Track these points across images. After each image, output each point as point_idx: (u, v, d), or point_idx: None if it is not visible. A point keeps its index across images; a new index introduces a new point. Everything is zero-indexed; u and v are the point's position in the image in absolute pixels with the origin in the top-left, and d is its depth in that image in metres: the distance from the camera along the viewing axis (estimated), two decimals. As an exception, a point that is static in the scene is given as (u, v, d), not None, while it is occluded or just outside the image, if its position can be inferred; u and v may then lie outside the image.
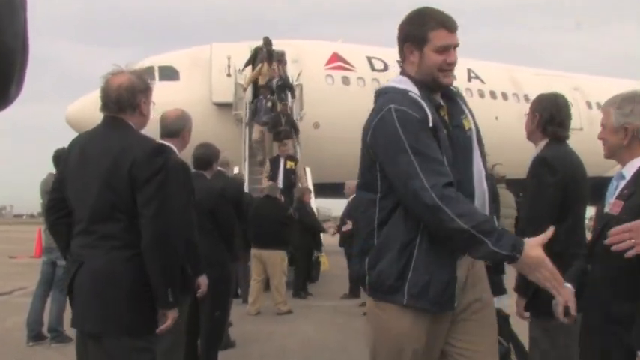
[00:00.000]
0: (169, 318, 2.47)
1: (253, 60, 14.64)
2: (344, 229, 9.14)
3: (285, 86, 13.77)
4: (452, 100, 2.34)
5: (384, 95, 2.28)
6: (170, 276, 2.45)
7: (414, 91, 2.17)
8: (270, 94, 13.42)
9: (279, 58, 14.79)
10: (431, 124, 2.08)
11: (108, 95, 2.60)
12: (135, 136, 2.57)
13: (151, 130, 2.79)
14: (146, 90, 2.70)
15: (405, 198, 2.06)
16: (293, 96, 13.96)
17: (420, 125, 2.06)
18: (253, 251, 8.08)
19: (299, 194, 10.23)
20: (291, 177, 11.19)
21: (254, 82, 14.26)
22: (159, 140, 3.60)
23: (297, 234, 9.32)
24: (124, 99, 2.59)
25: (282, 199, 9.32)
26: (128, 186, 2.42)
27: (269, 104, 13.11)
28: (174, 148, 3.58)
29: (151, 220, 2.40)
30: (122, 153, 2.45)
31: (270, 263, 7.99)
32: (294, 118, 13.58)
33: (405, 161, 2.03)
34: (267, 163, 11.73)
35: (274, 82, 13.59)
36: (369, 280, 2.13)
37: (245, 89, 14.34)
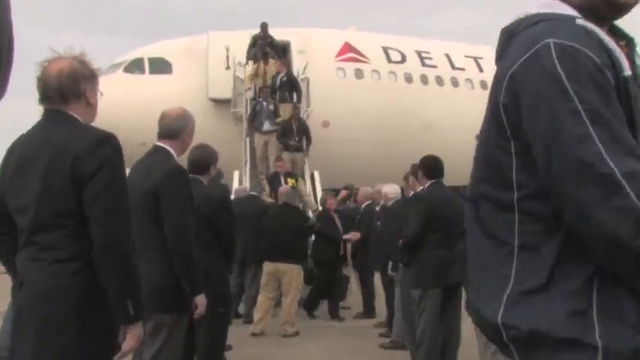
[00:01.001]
0: (133, 337, 2.33)
1: (251, 53, 14.61)
2: (346, 237, 9.15)
3: (291, 83, 13.59)
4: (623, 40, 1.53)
5: (532, 26, 1.46)
6: (128, 285, 2.31)
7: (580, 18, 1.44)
8: (271, 94, 13.13)
9: (279, 51, 14.69)
10: (628, 73, 1.38)
11: (47, 84, 2.47)
12: (79, 128, 2.43)
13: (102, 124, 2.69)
14: (91, 77, 2.58)
15: (568, 198, 1.32)
16: (299, 97, 13.73)
17: (601, 76, 1.34)
18: (267, 265, 8.00)
19: (321, 200, 10.05)
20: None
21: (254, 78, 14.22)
22: (157, 142, 3.61)
23: (319, 246, 9.16)
24: (66, 87, 2.48)
25: (301, 207, 9.31)
26: (71, 185, 2.30)
27: (271, 107, 12.84)
28: (172, 151, 3.57)
29: (99, 222, 2.27)
30: (63, 149, 2.33)
31: (286, 278, 7.94)
32: (302, 116, 13.46)
33: (576, 133, 1.30)
34: (265, 182, 11.51)
35: (279, 77, 13.40)
36: (516, 332, 1.40)
37: (248, 89, 14.28)
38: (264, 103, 12.87)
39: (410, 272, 5.73)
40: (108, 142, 2.39)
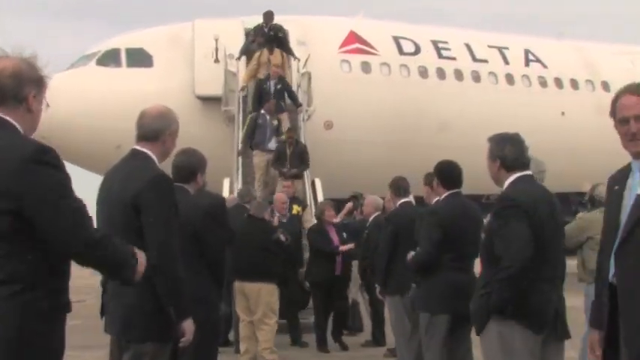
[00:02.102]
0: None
1: (248, 47, 14.61)
2: (342, 248, 9.16)
3: (285, 91, 13.48)
4: None
5: None
6: None
7: None
8: (263, 102, 12.98)
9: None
10: None
11: None
12: (12, 139, 2.45)
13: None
14: (38, 82, 2.58)
15: None
16: (297, 104, 13.64)
17: None
18: (236, 284, 8.09)
19: (318, 211, 10.05)
20: (296, 224, 10.55)
21: (254, 74, 14.10)
22: (135, 145, 3.60)
23: (314, 265, 9.18)
24: (7, 87, 2.49)
25: (276, 220, 9.20)
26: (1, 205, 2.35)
27: (275, 122, 12.70)
28: (153, 156, 3.56)
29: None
30: None
31: (253, 298, 8.00)
32: (301, 135, 13.31)
33: None
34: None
35: (270, 83, 13.28)
36: None
37: (243, 88, 14.25)
38: (268, 117, 12.68)
39: (418, 293, 5.74)
40: (44, 157, 2.44)
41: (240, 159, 13.20)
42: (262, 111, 12.76)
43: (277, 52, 14.05)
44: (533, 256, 3.74)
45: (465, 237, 5.39)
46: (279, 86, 13.33)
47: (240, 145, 13.17)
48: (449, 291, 5.39)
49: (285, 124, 12.87)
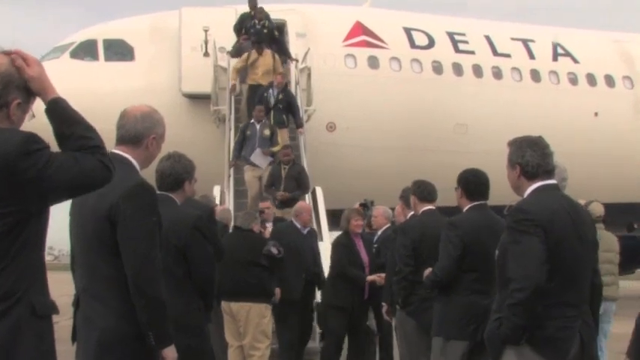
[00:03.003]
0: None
1: (239, 49, 14.66)
2: (370, 279, 8.80)
3: (288, 104, 13.34)
4: None
5: None
6: None
7: None
8: (266, 112, 12.89)
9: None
10: None
11: None
12: None
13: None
14: (28, 90, 2.68)
15: None
16: (298, 123, 13.49)
17: None
18: (223, 305, 8.06)
19: (344, 219, 9.30)
20: (314, 239, 10.04)
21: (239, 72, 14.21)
22: (114, 149, 3.60)
23: (334, 287, 8.64)
24: None
25: (267, 232, 9.09)
26: None
27: (267, 132, 12.41)
28: (134, 162, 3.56)
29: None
30: None
31: (241, 320, 7.96)
32: (301, 148, 13.12)
33: None
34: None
35: (271, 93, 13.17)
36: None
37: (232, 90, 14.26)
38: (258, 126, 12.47)
39: (432, 315, 5.74)
40: (34, 150, 2.54)
41: (231, 170, 13.20)
42: (252, 120, 12.69)
43: (268, 53, 14.07)
44: (551, 278, 3.69)
45: (489, 256, 5.38)
46: (281, 96, 13.25)
47: (230, 158, 13.10)
48: (466, 315, 5.38)
49: (284, 141, 12.69)
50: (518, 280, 3.69)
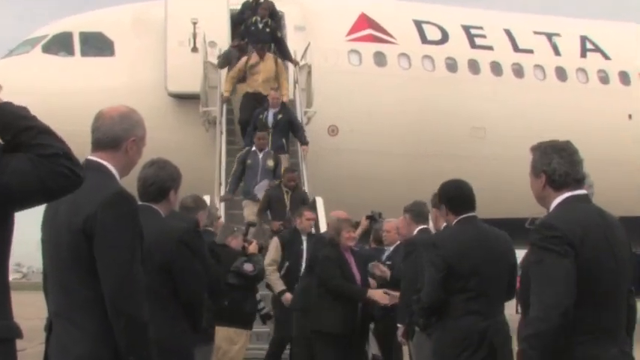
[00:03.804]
0: None
1: (228, 56, 14.65)
2: (371, 294, 8.63)
3: (290, 124, 13.11)
4: None
5: None
6: None
7: None
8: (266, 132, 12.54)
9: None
10: None
11: None
12: None
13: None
14: None
15: None
16: (303, 141, 13.27)
17: None
18: None
19: (333, 231, 9.15)
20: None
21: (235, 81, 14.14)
22: (90, 155, 3.60)
23: (324, 309, 8.59)
24: None
25: (253, 247, 8.91)
26: None
27: (270, 163, 12.13)
28: (112, 169, 3.56)
29: None
30: None
31: (215, 347, 7.90)
32: (304, 179, 12.85)
33: None
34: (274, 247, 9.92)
35: (269, 113, 12.94)
36: None
37: (224, 99, 14.16)
38: (260, 155, 12.22)
39: (430, 338, 5.79)
40: None
41: (222, 171, 13.18)
42: (253, 147, 12.43)
43: (270, 58, 13.98)
44: (582, 302, 3.59)
45: (482, 272, 5.39)
46: (280, 116, 13.06)
47: (223, 190, 12.81)
48: (460, 339, 5.37)
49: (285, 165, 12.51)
50: (539, 307, 3.59)
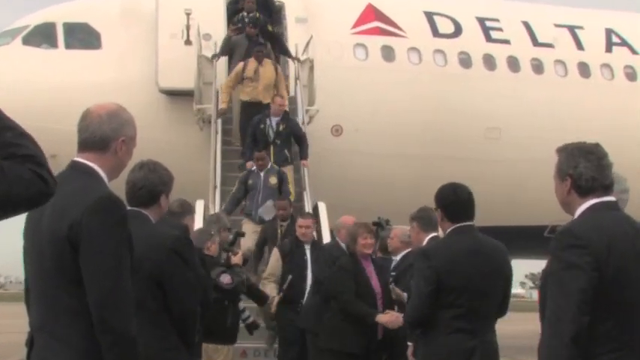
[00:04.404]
0: None
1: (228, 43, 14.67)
2: (381, 318, 8.45)
3: (293, 135, 12.95)
4: None
5: None
6: None
7: None
8: (263, 147, 12.45)
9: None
10: None
11: None
12: None
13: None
14: None
15: None
16: (304, 155, 13.10)
17: None
18: None
19: (350, 239, 8.66)
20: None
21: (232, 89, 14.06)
22: (76, 157, 3.60)
23: (342, 327, 8.06)
24: None
25: (237, 257, 8.85)
26: None
27: (273, 181, 11.92)
28: (100, 171, 3.56)
29: None
30: None
31: None
32: (305, 202, 12.70)
33: None
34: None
35: (271, 122, 12.72)
36: None
37: (221, 112, 14.03)
38: (262, 174, 12.00)
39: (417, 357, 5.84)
40: None
41: (217, 174, 13.18)
42: (253, 167, 12.27)
43: (268, 63, 13.86)
44: (606, 317, 3.57)
45: (473, 287, 5.41)
46: (282, 127, 12.95)
47: (218, 195, 12.81)
48: (446, 359, 5.43)
49: (290, 180, 12.35)
50: (553, 321, 3.59)
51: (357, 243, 8.22)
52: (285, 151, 12.93)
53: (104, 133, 3.60)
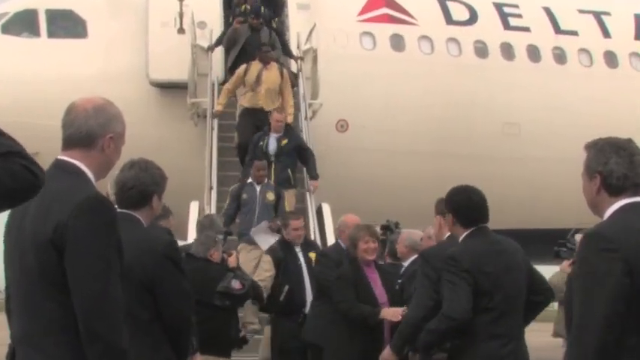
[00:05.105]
0: None
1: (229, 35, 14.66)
2: (385, 313, 8.42)
3: (297, 152, 12.68)
4: None
5: None
6: None
7: None
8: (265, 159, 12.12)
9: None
10: None
11: None
12: None
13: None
14: None
15: None
16: (313, 174, 12.77)
17: None
18: None
19: (350, 242, 8.48)
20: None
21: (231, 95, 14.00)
22: (61, 155, 3.61)
23: (345, 338, 8.00)
24: None
25: (233, 259, 8.80)
26: None
27: (270, 197, 11.56)
28: (86, 170, 3.58)
29: None
30: None
31: None
32: (310, 210, 12.55)
33: None
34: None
35: (270, 139, 12.39)
36: None
37: (216, 114, 13.85)
38: (258, 188, 11.62)
39: None
40: None
41: (213, 173, 13.19)
42: (249, 179, 11.94)
43: (274, 67, 13.59)
44: (634, 329, 3.53)
45: (503, 289, 5.47)
46: (284, 142, 12.64)
47: (214, 197, 12.74)
48: None
49: (291, 204, 12.07)
50: (578, 333, 3.57)
51: (357, 248, 7.97)
52: (288, 170, 12.54)
53: (90, 128, 3.61)
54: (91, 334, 3.30)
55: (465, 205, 5.77)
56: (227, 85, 14.02)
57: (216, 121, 13.90)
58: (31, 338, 3.39)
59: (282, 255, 9.55)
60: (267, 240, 10.54)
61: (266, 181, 11.83)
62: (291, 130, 13.04)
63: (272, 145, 12.49)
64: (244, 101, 13.68)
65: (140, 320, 4.27)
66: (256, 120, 13.27)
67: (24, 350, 3.42)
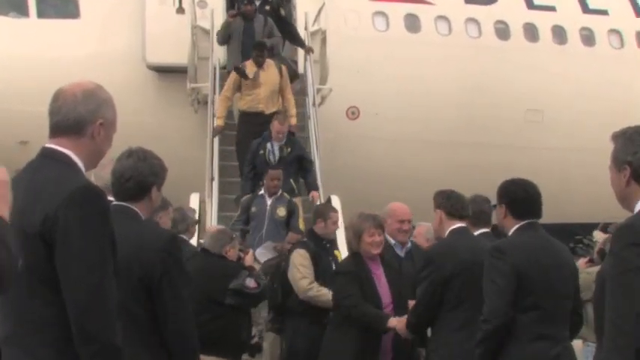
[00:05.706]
0: None
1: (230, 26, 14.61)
2: (393, 323, 8.29)
3: (298, 161, 12.50)
4: None
5: None
6: None
7: None
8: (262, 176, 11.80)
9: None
10: None
11: None
12: None
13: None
14: None
15: None
16: (314, 185, 12.65)
17: None
18: None
19: (352, 234, 8.63)
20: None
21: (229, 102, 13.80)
22: (49, 143, 3.61)
23: (340, 334, 7.83)
24: None
25: (249, 258, 8.82)
26: None
27: (281, 212, 11.33)
28: (76, 158, 3.58)
29: None
30: None
31: None
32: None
33: None
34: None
35: (273, 147, 12.20)
36: None
37: (217, 130, 13.55)
38: (269, 201, 11.42)
39: None
40: None
41: (215, 163, 13.19)
42: (261, 191, 11.71)
43: (271, 66, 13.39)
44: None
45: (552, 288, 5.49)
46: (285, 151, 12.45)
47: (216, 187, 12.88)
48: None
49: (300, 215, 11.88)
50: (613, 333, 3.56)
51: (361, 241, 7.66)
52: (291, 180, 12.41)
53: (79, 115, 3.60)
54: (84, 334, 3.30)
55: (521, 197, 5.86)
56: (224, 93, 13.69)
57: (215, 109, 13.83)
58: (17, 338, 3.40)
59: (315, 248, 9.07)
60: (265, 255, 10.47)
61: (280, 193, 11.54)
62: (293, 138, 12.87)
63: (273, 155, 12.31)
64: (242, 104, 13.49)
65: (137, 321, 4.29)
66: (255, 124, 13.05)
67: (10, 351, 3.42)
